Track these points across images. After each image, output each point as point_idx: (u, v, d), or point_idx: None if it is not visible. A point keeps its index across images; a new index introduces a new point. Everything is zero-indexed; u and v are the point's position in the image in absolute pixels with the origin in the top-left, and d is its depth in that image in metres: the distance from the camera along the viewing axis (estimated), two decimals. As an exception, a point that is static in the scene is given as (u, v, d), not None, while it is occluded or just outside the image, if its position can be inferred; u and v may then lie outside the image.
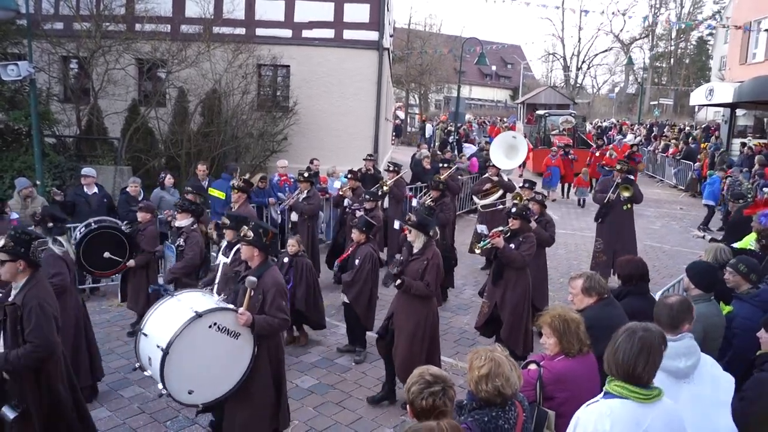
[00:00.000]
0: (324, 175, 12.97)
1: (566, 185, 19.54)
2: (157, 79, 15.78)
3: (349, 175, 10.75)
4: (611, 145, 24.86)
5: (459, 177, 14.68)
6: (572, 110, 27.60)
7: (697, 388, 3.51)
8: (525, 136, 25.93)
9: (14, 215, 8.90)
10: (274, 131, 15.95)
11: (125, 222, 8.27)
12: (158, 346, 4.52)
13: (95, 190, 9.83)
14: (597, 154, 20.12)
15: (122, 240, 7.78)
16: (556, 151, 19.30)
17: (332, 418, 5.95)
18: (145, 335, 4.78)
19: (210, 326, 4.64)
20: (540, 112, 26.56)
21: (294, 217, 9.77)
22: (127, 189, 10.00)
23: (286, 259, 7.64)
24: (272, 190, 11.52)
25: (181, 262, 7.16)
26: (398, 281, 5.98)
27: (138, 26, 14.70)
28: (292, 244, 7.77)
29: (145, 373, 4.80)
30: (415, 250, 6.15)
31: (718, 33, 42.54)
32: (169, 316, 4.73)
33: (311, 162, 12.57)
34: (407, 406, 2.89)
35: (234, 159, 15.07)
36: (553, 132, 24.58)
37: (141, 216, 7.96)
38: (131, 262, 7.73)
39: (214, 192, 10.61)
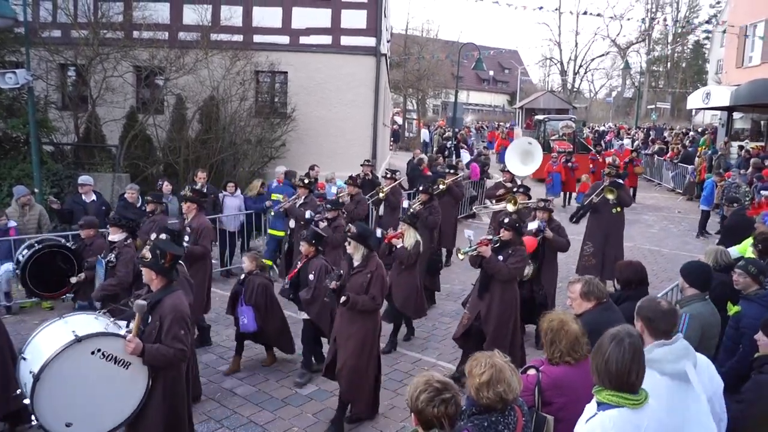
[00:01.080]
0: (322, 181, 12.97)
1: (567, 194, 18.74)
2: (155, 86, 15.80)
3: (348, 181, 10.70)
4: (613, 150, 24.56)
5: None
6: (572, 115, 27.29)
7: (699, 386, 3.52)
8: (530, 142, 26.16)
9: (12, 223, 8.90)
10: (272, 138, 15.96)
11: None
12: (30, 372, 4.11)
13: (93, 197, 9.82)
14: (600, 159, 19.53)
15: (70, 257, 7.44)
16: (557, 157, 18.91)
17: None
18: (24, 359, 4.32)
19: (93, 352, 4.16)
20: (539, 117, 26.25)
21: (292, 223, 9.78)
22: (125, 195, 9.99)
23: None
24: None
25: (113, 279, 6.62)
26: (343, 298, 5.56)
27: (136, 34, 14.72)
28: (246, 262, 7.32)
29: (25, 401, 4.18)
30: (355, 263, 5.82)
31: (714, 37, 42.66)
32: (49, 339, 4.27)
33: (311, 168, 12.58)
34: (412, 415, 2.83)
35: (232, 166, 15.08)
36: (553, 137, 24.18)
37: (84, 233, 7.65)
38: (74, 279, 7.28)
39: (276, 197, 10.96)
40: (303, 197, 9.87)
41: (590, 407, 2.97)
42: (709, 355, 4.21)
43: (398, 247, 7.64)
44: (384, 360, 7.49)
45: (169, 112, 15.36)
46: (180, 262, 5.75)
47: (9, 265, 8.62)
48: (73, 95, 14.71)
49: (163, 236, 6.81)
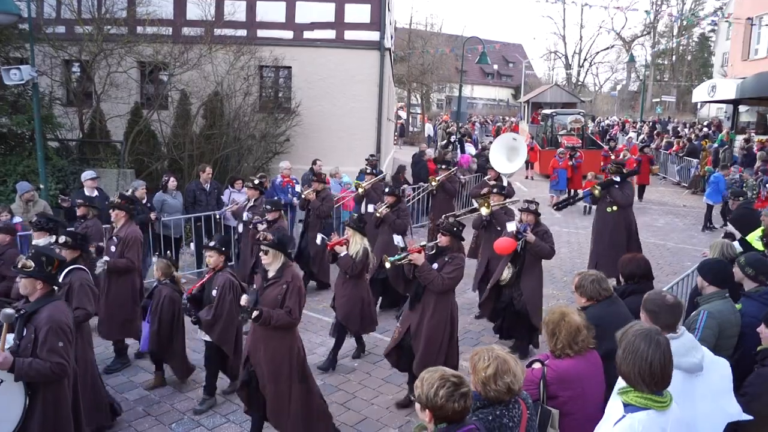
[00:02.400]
0: (326, 176, 12.97)
1: (573, 191, 17.67)
2: (159, 81, 15.81)
3: (313, 177, 10.33)
4: (623, 146, 23.76)
5: (461, 177, 14.69)
6: (580, 109, 26.43)
7: (705, 378, 3.53)
8: (532, 137, 25.69)
9: (17, 219, 8.93)
10: (277, 133, 15.96)
11: None
12: None
13: (96, 193, 9.83)
14: (612, 156, 18.90)
15: None
16: (564, 152, 18.16)
17: (337, 419, 5.94)
18: None
19: None
20: (547, 111, 25.54)
21: (240, 228, 9.24)
22: (135, 193, 9.95)
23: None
24: (274, 191, 11.53)
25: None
26: (255, 313, 4.93)
27: (140, 29, 14.72)
28: (155, 269, 6.65)
29: None
30: (271, 274, 5.22)
31: (720, 29, 42.48)
32: None
33: (314, 163, 12.58)
34: (427, 411, 2.76)
35: (237, 161, 15.10)
36: (561, 132, 23.49)
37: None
38: None
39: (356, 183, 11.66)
40: (253, 200, 9.49)
41: (615, 408, 2.93)
42: (726, 353, 4.20)
43: (342, 255, 7.01)
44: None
45: (174, 107, 15.36)
46: (83, 268, 5.55)
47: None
48: (78, 91, 14.72)
49: (42, 241, 6.53)
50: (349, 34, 16.60)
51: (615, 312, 4.41)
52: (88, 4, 14.40)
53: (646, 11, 49.21)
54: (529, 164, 23.36)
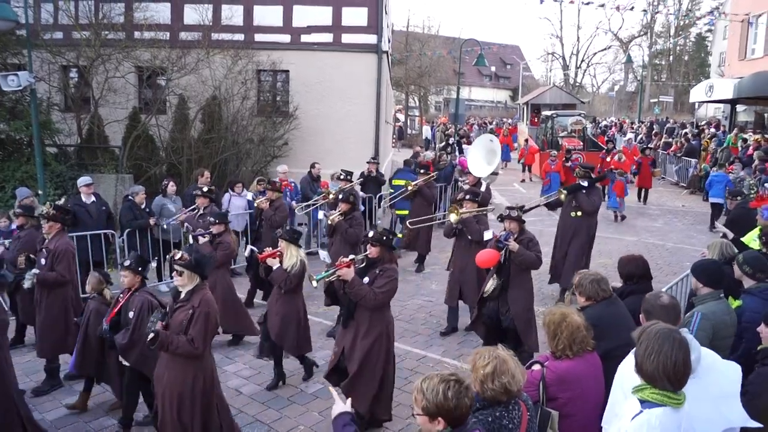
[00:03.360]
0: (325, 179, 12.98)
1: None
2: (157, 86, 15.81)
3: (268, 186, 9.86)
4: (622, 147, 23.33)
5: (460, 178, 14.68)
6: (580, 110, 26.06)
7: (703, 381, 3.51)
8: (527, 139, 25.57)
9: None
10: (275, 136, 15.97)
11: None
12: None
13: (93, 199, 9.79)
14: (608, 159, 18.46)
15: None
16: (556, 156, 17.93)
17: (337, 423, 5.94)
18: None
19: None
20: (547, 112, 25.30)
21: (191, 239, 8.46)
22: (133, 198, 9.94)
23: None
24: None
25: None
26: (150, 334, 4.55)
27: (137, 34, 14.73)
28: (88, 283, 6.28)
29: None
30: (182, 296, 4.84)
31: (716, 29, 42.53)
32: None
33: (312, 166, 12.58)
34: (440, 419, 2.71)
35: (235, 165, 15.10)
36: (562, 134, 23.25)
37: None
38: None
39: (398, 182, 12.04)
40: (203, 208, 9.10)
41: (632, 405, 2.94)
42: (723, 354, 4.20)
43: (275, 268, 6.46)
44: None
45: (172, 112, 15.37)
46: None
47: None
48: (76, 96, 14.72)
49: None
50: (347, 38, 16.61)
51: (614, 312, 4.42)
52: (86, 10, 14.40)
53: (644, 10, 49.31)
54: (526, 167, 23.35)
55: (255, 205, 9.93)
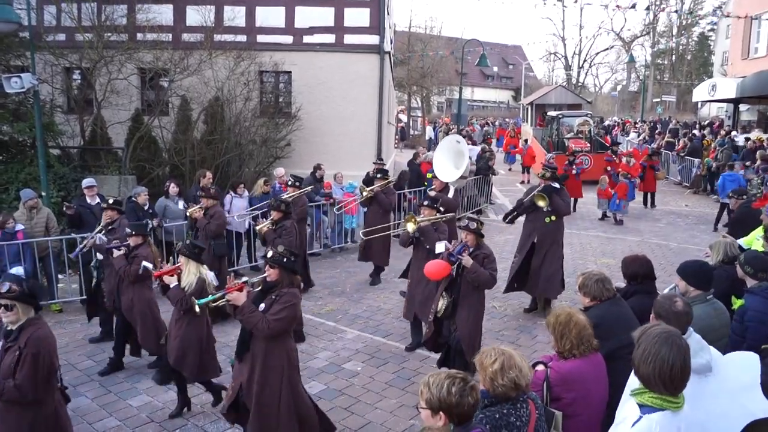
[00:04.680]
0: (328, 180, 13.00)
1: (573, 200, 16.22)
2: (160, 88, 15.84)
3: (201, 193, 9.14)
4: (632, 149, 22.34)
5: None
6: (587, 110, 25.21)
7: (717, 378, 3.52)
8: (526, 140, 25.30)
9: (19, 226, 8.96)
10: (277, 137, 15.98)
11: None
12: None
13: (97, 200, 9.82)
14: (615, 160, 17.49)
15: None
16: (553, 157, 17.26)
17: (341, 423, 5.94)
18: None
19: None
20: (552, 113, 24.42)
21: (99, 254, 7.86)
22: (136, 199, 9.97)
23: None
24: (275, 196, 11.53)
25: None
26: None
27: (140, 36, 14.75)
28: None
29: None
30: (12, 334, 4.19)
31: (719, 28, 42.49)
32: None
33: (318, 168, 12.58)
34: (441, 413, 2.76)
35: (238, 166, 15.11)
36: (568, 135, 22.45)
37: None
38: None
39: (430, 176, 11.84)
40: (112, 220, 8.14)
41: (630, 410, 2.92)
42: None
43: (172, 286, 5.84)
44: (391, 359, 7.51)
45: (174, 113, 15.40)
46: None
47: (19, 269, 8.68)
48: (79, 98, 14.74)
49: None
50: (349, 38, 16.63)
51: (618, 312, 4.41)
52: (88, 12, 14.44)
53: (647, 8, 49.24)
54: (525, 168, 23.18)
55: (188, 213, 9.15)
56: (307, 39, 16.65)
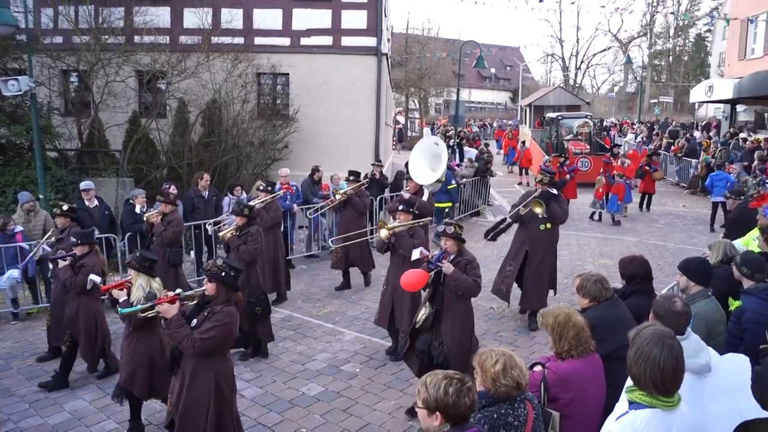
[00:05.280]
0: (326, 182, 12.99)
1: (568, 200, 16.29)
2: (158, 90, 15.84)
3: (160, 198, 8.75)
4: (632, 151, 22.20)
5: (456, 180, 14.67)
6: (587, 112, 25.00)
7: (714, 379, 3.54)
8: (524, 141, 25.25)
9: (18, 228, 8.96)
10: (275, 139, 16.00)
11: None
12: None
13: (96, 203, 9.84)
14: (613, 162, 17.18)
15: None
16: (551, 160, 17.11)
17: (339, 425, 5.94)
18: None
19: None
20: (551, 114, 24.17)
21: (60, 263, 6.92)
22: (134, 201, 9.96)
23: None
24: (274, 198, 11.52)
25: None
26: None
27: (137, 38, 14.76)
28: None
29: None
30: None
31: (716, 29, 42.59)
32: None
33: (316, 170, 12.58)
34: (437, 413, 2.76)
35: (236, 168, 15.11)
36: (568, 137, 22.30)
37: None
38: None
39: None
40: (64, 228, 7.93)
41: (621, 405, 2.94)
42: (717, 351, 4.22)
43: (121, 301, 5.39)
44: (389, 360, 7.49)
45: (172, 115, 15.40)
46: None
47: (15, 272, 8.68)
48: (76, 101, 14.75)
49: None
50: (346, 40, 16.65)
51: (616, 313, 4.41)
52: (86, 15, 14.44)
53: (644, 11, 49.35)
54: (522, 170, 23.17)
55: (144, 218, 8.81)
56: (304, 41, 16.66)
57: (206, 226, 9.67)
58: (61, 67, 14.45)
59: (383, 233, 7.06)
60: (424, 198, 9.00)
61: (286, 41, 16.66)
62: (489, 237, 8.84)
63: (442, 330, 5.81)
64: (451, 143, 21.84)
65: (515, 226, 8.81)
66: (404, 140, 35.90)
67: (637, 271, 5.19)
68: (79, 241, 6.79)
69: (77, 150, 14.40)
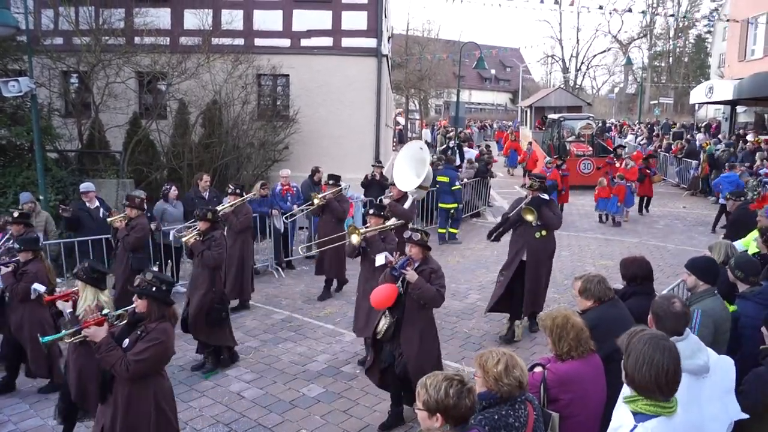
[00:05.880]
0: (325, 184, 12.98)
1: (560, 204, 15.86)
2: (158, 91, 15.85)
3: (126, 202, 8.45)
4: (636, 152, 22.05)
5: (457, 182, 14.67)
6: (589, 113, 24.82)
7: (711, 380, 3.54)
8: (530, 142, 25.09)
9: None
10: (275, 140, 16.01)
11: None
12: None
13: (96, 204, 9.85)
14: (616, 164, 17.21)
15: None
16: (551, 161, 16.72)
17: (339, 427, 5.94)
18: None
19: None
20: (553, 116, 23.93)
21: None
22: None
23: None
24: (274, 199, 11.53)
25: None
26: None
27: (137, 39, 14.77)
28: None
29: None
30: None
31: (716, 30, 42.62)
32: None
33: (316, 171, 12.58)
34: (438, 415, 2.77)
35: (236, 169, 15.12)
36: (569, 139, 22.11)
37: None
38: None
39: (442, 178, 13.27)
40: (15, 234, 7.46)
41: (624, 419, 2.89)
42: (722, 349, 4.23)
43: (66, 312, 5.05)
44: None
45: (172, 117, 15.40)
46: None
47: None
48: (76, 102, 14.75)
49: None
50: (346, 42, 16.66)
51: (616, 314, 4.42)
52: (86, 16, 14.45)
53: (642, 12, 49.32)
54: (526, 171, 23.09)
55: (108, 222, 8.58)
56: (304, 42, 16.68)
57: (172, 235, 9.34)
58: (62, 69, 14.46)
59: (354, 238, 6.85)
60: (407, 205, 8.57)
61: (286, 42, 16.67)
62: (492, 237, 8.55)
63: (402, 340, 5.60)
64: (451, 144, 21.85)
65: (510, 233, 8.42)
66: (404, 141, 35.89)
67: (638, 272, 5.19)
68: (22, 248, 6.52)
69: (77, 151, 14.40)
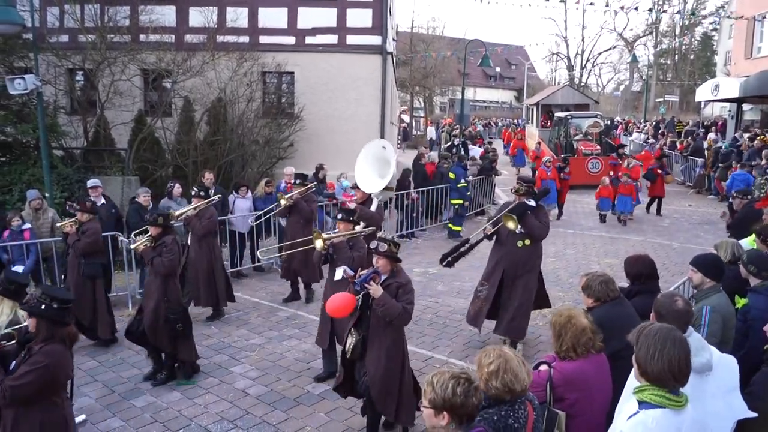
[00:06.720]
0: (331, 180, 13.01)
1: (561, 204, 16.23)
2: (163, 89, 15.88)
3: (76, 206, 8.09)
4: (644, 152, 21.45)
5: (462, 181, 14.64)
6: (596, 111, 24.45)
7: (714, 378, 3.54)
8: (539, 142, 24.91)
9: (26, 225, 9.00)
10: (280, 138, 16.03)
11: None
12: None
13: (103, 201, 9.87)
14: (621, 163, 16.96)
15: None
16: (550, 161, 16.37)
17: (344, 423, 5.95)
18: None
19: None
20: (560, 114, 23.57)
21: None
22: (138, 199, 9.99)
23: None
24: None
25: None
26: None
27: (143, 37, 14.82)
28: None
29: None
30: None
31: (722, 28, 42.43)
32: None
33: (321, 168, 12.58)
34: (444, 413, 2.74)
35: (241, 167, 15.15)
36: (577, 137, 21.73)
37: None
38: None
39: (451, 175, 13.88)
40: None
41: (630, 405, 2.95)
42: (729, 346, 4.24)
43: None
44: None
45: (177, 114, 15.44)
46: None
47: (21, 269, 8.70)
48: (82, 99, 14.79)
49: None
50: (351, 39, 16.66)
51: (621, 313, 4.41)
52: (92, 14, 14.48)
53: (649, 9, 49.22)
54: (535, 172, 22.95)
55: (59, 226, 8.26)
56: (309, 40, 16.69)
57: (132, 236, 8.83)
58: (67, 66, 14.50)
59: (318, 244, 6.28)
60: (373, 207, 8.21)
61: (291, 40, 16.69)
62: (445, 263, 7.50)
63: (367, 359, 5.21)
64: (456, 142, 21.84)
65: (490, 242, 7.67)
66: (409, 139, 35.92)
67: (642, 270, 5.18)
68: None
69: (83, 148, 14.44)
